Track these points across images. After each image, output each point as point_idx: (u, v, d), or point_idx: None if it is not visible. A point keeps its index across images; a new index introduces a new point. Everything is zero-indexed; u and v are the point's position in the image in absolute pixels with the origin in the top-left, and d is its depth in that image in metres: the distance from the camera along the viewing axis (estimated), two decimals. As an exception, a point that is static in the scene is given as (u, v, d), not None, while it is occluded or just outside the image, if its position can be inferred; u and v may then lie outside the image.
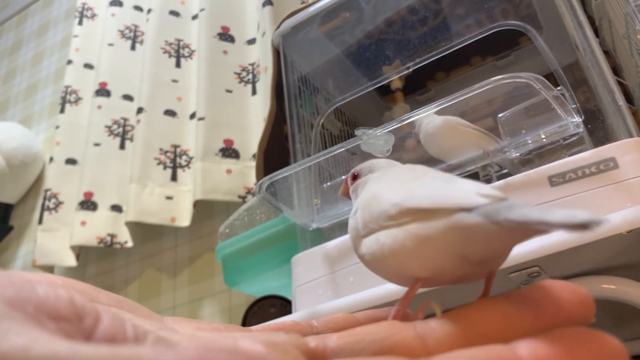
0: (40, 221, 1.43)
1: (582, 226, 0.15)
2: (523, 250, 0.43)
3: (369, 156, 0.54)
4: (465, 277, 0.20)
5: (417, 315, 0.20)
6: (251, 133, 1.26)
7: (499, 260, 0.20)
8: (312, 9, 0.80)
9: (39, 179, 1.72)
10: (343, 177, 0.66)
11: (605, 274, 0.48)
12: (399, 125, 0.51)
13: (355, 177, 0.30)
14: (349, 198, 0.31)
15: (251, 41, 1.37)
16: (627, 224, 0.40)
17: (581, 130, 0.53)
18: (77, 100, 1.58)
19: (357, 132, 0.51)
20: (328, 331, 0.21)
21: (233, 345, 0.14)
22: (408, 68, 0.69)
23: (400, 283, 0.22)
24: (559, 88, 0.55)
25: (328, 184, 0.67)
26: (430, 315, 0.22)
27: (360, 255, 0.24)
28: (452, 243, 0.19)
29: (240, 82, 1.32)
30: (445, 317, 0.18)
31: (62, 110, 1.56)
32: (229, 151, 1.22)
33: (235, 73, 1.32)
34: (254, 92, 1.31)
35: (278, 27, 0.82)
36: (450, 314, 0.18)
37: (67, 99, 1.57)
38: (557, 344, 0.15)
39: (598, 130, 0.56)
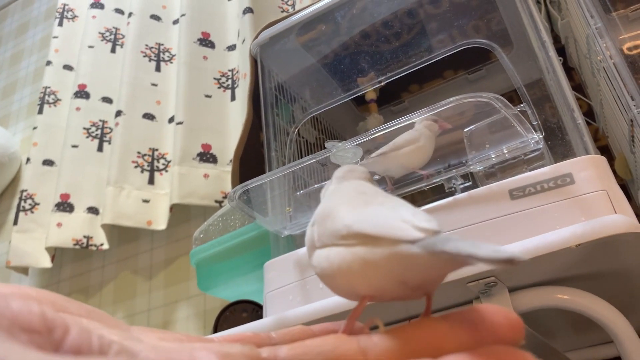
0: (15, 222, 1.42)
1: (506, 261, 0.18)
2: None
3: (338, 168, 0.56)
4: (405, 297, 0.22)
5: (363, 329, 0.22)
6: (229, 138, 1.27)
7: (435, 284, 0.22)
8: (289, 20, 0.81)
9: (15, 179, 1.71)
10: (316, 185, 0.68)
11: (560, 285, 0.50)
12: (367, 139, 0.53)
13: None
14: None
15: (231, 47, 1.39)
16: (576, 238, 0.42)
17: (541, 146, 0.55)
18: (56, 101, 1.58)
19: (327, 144, 0.53)
20: (284, 343, 0.22)
21: (190, 356, 0.16)
22: (380, 82, 0.71)
23: (346, 297, 0.24)
24: (522, 105, 0.58)
25: (301, 192, 0.68)
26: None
27: (313, 266, 0.26)
28: (393, 269, 0.21)
29: (219, 88, 1.33)
30: (387, 333, 0.20)
31: (40, 111, 1.55)
32: (207, 156, 1.24)
33: (215, 79, 1.34)
34: (232, 97, 1.32)
35: (256, 37, 0.84)
36: (392, 330, 0.20)
37: (46, 99, 1.57)
38: (478, 359, 0.17)
39: (559, 146, 0.59)
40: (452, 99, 0.48)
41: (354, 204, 0.25)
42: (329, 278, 0.24)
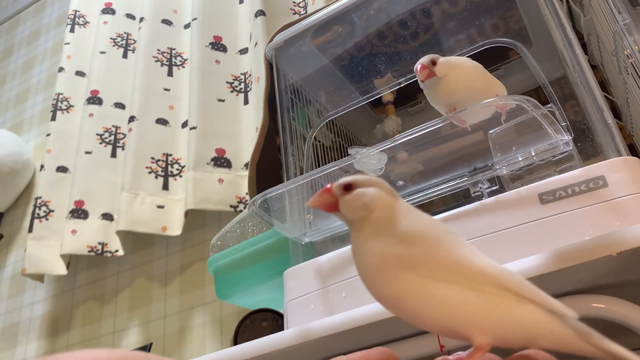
0: (30, 229, 1.42)
1: None
2: (515, 270, 0.43)
3: (361, 174, 0.54)
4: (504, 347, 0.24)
5: None
6: (243, 142, 1.26)
7: None
8: (304, 22, 0.80)
9: (29, 186, 1.71)
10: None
11: (595, 293, 0.48)
12: (392, 145, 0.52)
13: (349, 189, 0.28)
14: (329, 211, 0.29)
15: (243, 51, 1.38)
16: (617, 245, 0.40)
17: (570, 148, 0.53)
18: (69, 107, 1.57)
19: (351, 150, 0.52)
20: None
21: None
22: (400, 83, 0.69)
23: (443, 331, 0.24)
24: (548, 105, 0.56)
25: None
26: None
27: (401, 291, 0.25)
28: (533, 332, 0.23)
29: (232, 92, 1.32)
30: None
31: (53, 118, 1.55)
32: (221, 160, 1.22)
33: (228, 82, 1.33)
34: (246, 101, 1.31)
35: (271, 40, 0.83)
36: None
37: (59, 106, 1.56)
38: None
39: (587, 147, 0.57)
40: (484, 102, 0.46)
41: (459, 242, 0.26)
42: (440, 312, 0.24)
